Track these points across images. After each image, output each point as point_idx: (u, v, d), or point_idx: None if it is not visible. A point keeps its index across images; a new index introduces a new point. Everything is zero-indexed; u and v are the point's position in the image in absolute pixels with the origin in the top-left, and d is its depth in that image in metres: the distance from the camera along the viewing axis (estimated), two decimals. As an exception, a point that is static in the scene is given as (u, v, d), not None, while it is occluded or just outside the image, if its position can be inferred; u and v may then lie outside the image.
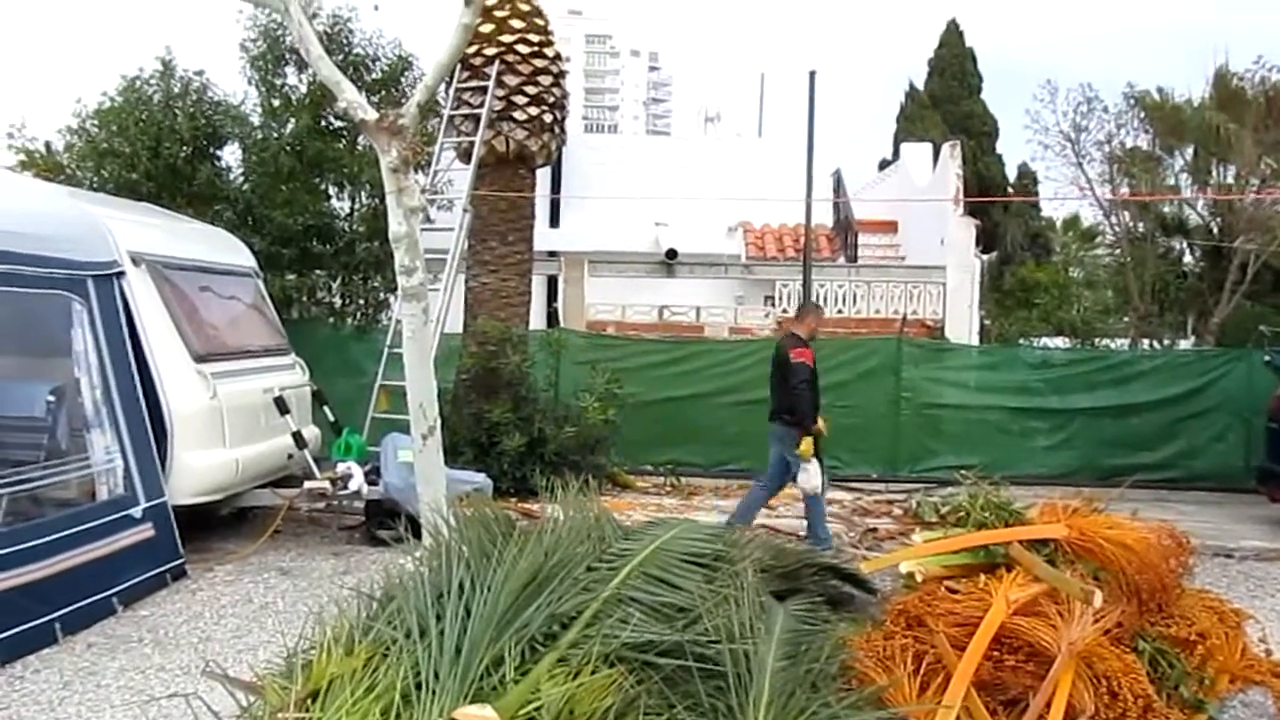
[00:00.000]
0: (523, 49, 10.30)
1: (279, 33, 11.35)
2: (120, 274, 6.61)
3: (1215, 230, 16.30)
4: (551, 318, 14.50)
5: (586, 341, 11.42)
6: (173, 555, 6.41)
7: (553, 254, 14.42)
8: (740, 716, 2.89)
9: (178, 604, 5.95)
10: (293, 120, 11.67)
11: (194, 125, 11.18)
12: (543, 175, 12.65)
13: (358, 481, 7.60)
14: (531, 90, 10.29)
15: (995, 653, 3.83)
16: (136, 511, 6.13)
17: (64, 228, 6.32)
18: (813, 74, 10.83)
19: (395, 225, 5.53)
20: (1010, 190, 26.49)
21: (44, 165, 11.38)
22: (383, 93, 11.89)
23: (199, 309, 7.55)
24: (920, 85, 29.03)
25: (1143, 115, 16.39)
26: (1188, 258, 17.56)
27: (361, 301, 13.00)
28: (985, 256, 18.07)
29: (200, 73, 11.56)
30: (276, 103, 11.84)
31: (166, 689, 4.57)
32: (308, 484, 7.60)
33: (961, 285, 14.21)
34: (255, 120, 11.91)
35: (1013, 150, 28.44)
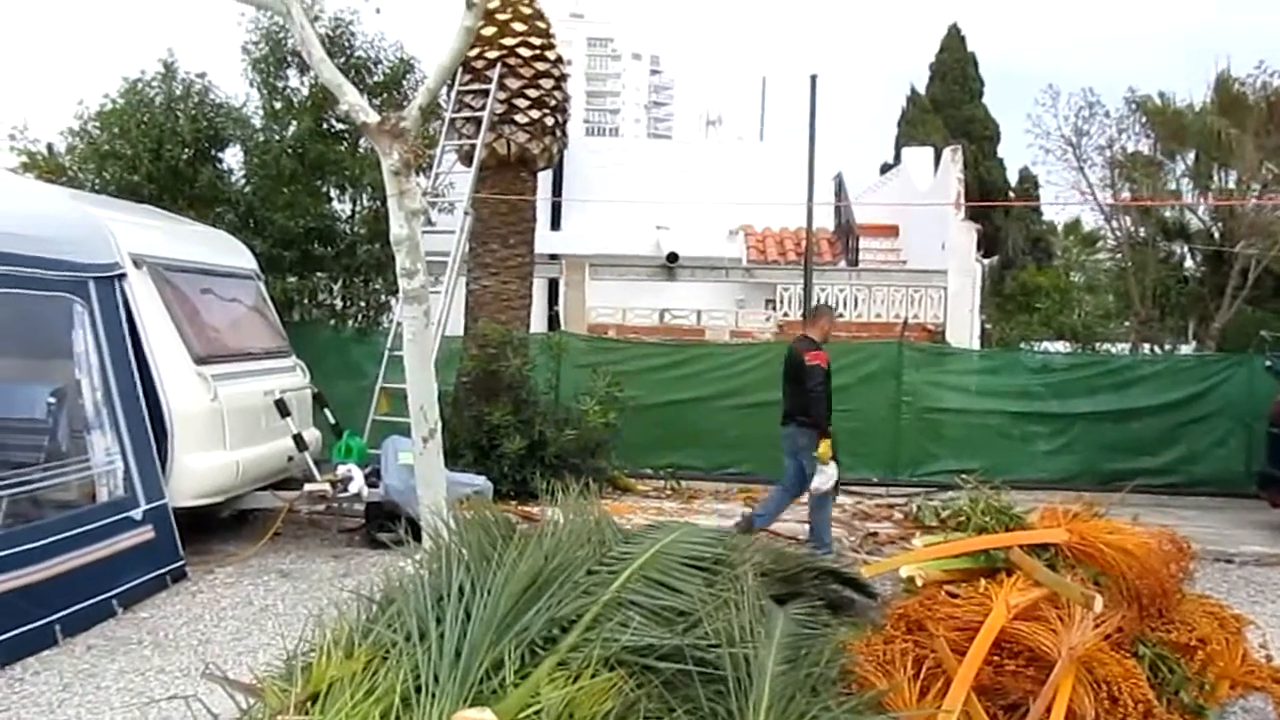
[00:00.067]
0: (524, 52, 10.31)
1: (281, 35, 11.38)
2: (121, 276, 6.62)
3: (1216, 235, 16.29)
4: (552, 321, 14.50)
5: (587, 344, 11.42)
6: (173, 557, 6.40)
7: (554, 257, 14.43)
8: (740, 720, 2.88)
9: (178, 606, 5.94)
10: (294, 123, 11.69)
11: (196, 127, 11.19)
12: (544, 178, 12.66)
13: (358, 484, 7.59)
14: (533, 93, 10.30)
15: (995, 657, 3.83)
16: (137, 513, 6.12)
17: (65, 229, 6.32)
18: (814, 78, 10.85)
19: (396, 228, 5.53)
20: (1011, 195, 26.52)
21: (46, 167, 11.40)
22: (384, 95, 11.91)
23: (200, 311, 7.55)
24: (922, 89, 29.09)
25: (1144, 120, 16.38)
26: (1189, 263, 17.54)
27: (362, 304, 13.02)
28: (986, 261, 18.07)
29: (202, 75, 11.60)
30: (278, 105, 11.86)
31: (166, 691, 4.56)
32: (308, 486, 7.60)
33: (962, 289, 14.21)
34: (257, 123, 11.93)
35: (1014, 154, 28.51)
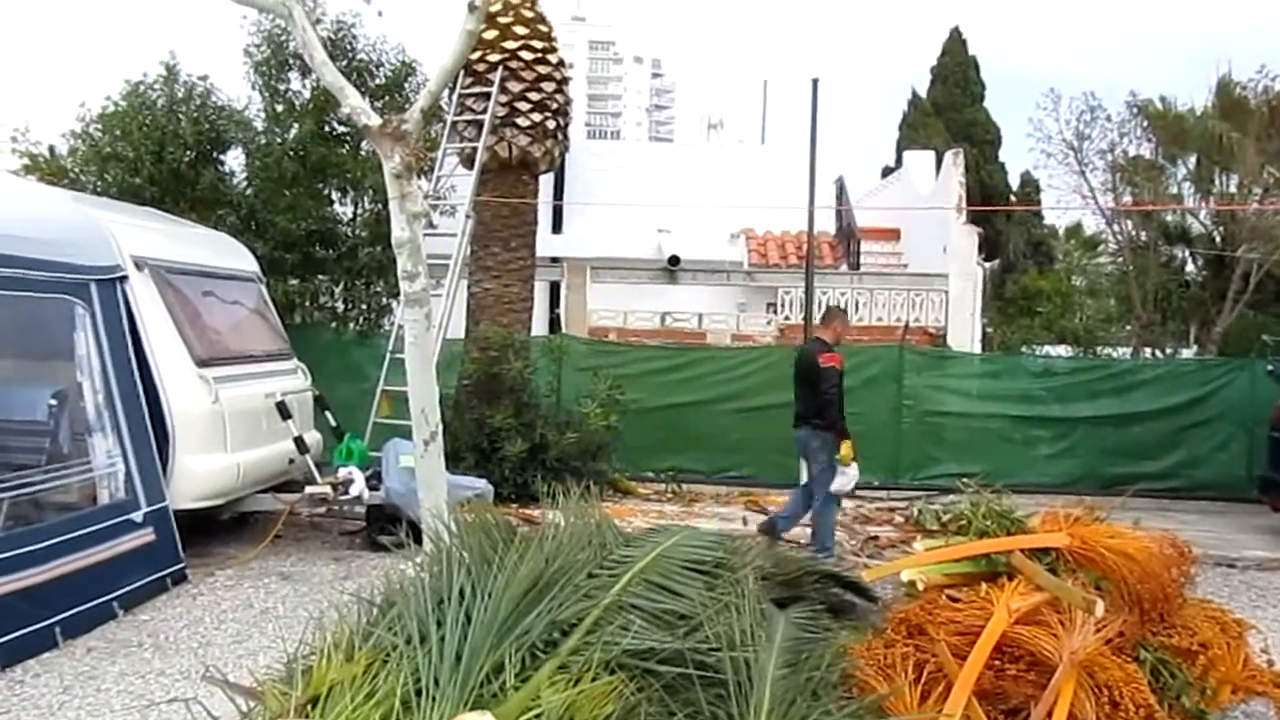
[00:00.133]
0: (526, 55, 10.32)
1: (283, 38, 11.38)
2: (123, 278, 6.62)
3: (1218, 239, 16.27)
4: (554, 324, 14.51)
5: (588, 348, 11.42)
6: (173, 560, 6.40)
7: (555, 260, 14.43)
8: (741, 725, 2.88)
9: (178, 609, 5.94)
10: (296, 125, 11.69)
11: (197, 130, 11.20)
12: (545, 181, 12.67)
13: (359, 487, 7.59)
14: (534, 96, 10.31)
15: (996, 662, 3.83)
16: (137, 516, 6.13)
17: (67, 232, 6.33)
18: (815, 81, 10.83)
19: (398, 231, 5.54)
20: (1013, 198, 26.52)
21: (48, 169, 11.41)
22: (386, 98, 11.91)
23: (201, 313, 7.56)
24: (923, 93, 29.12)
25: (1145, 124, 16.36)
26: (1190, 267, 17.51)
27: (364, 306, 13.01)
28: (988, 264, 18.09)
29: (204, 78, 11.59)
30: (280, 108, 11.87)
31: (166, 694, 4.56)
32: (309, 489, 7.60)
33: (964, 293, 14.22)
34: (259, 125, 11.93)
35: (1015, 158, 28.49)
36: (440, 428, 5.81)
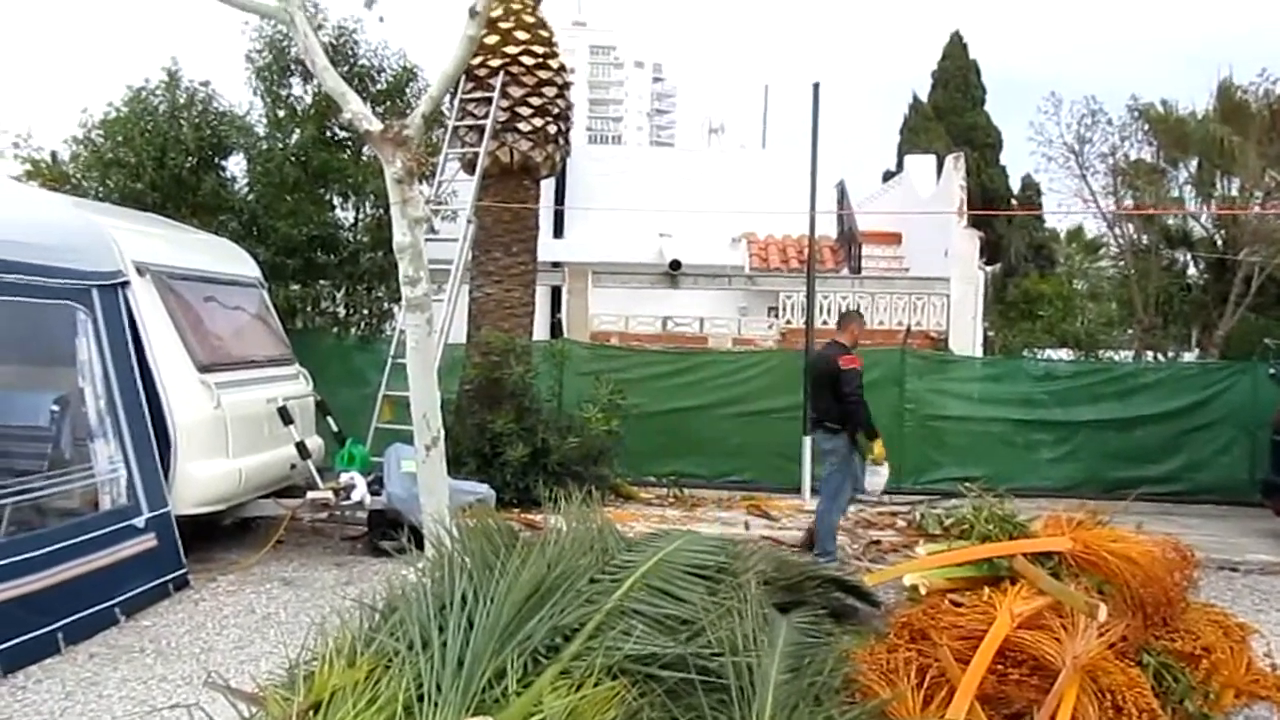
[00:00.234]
0: (527, 60, 10.34)
1: (284, 44, 11.41)
2: (125, 284, 6.63)
3: (1219, 243, 16.28)
4: (555, 328, 14.51)
5: (590, 352, 11.43)
6: (175, 565, 6.40)
7: (556, 265, 14.45)
8: (743, 730, 2.88)
9: (180, 614, 5.94)
10: (298, 131, 11.71)
11: (199, 135, 11.22)
12: (547, 186, 12.69)
13: (361, 492, 7.59)
14: (536, 101, 10.33)
15: (999, 666, 3.83)
16: (139, 521, 6.12)
17: (69, 237, 6.34)
18: (816, 85, 10.84)
19: (399, 236, 5.55)
20: (1014, 202, 26.52)
21: (50, 175, 11.42)
22: (387, 104, 11.93)
23: (203, 319, 7.56)
24: (924, 97, 29.13)
25: (1147, 127, 16.39)
26: (1192, 270, 17.52)
27: (365, 312, 13.01)
28: (989, 268, 18.09)
29: (206, 83, 11.61)
30: (281, 113, 11.89)
31: (168, 699, 4.56)
32: (311, 494, 7.59)
33: (965, 297, 14.22)
34: (260, 131, 11.95)
35: (1016, 162, 28.55)
36: (442, 433, 5.81)
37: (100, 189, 11.09)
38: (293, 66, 11.67)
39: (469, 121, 10.33)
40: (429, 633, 2.92)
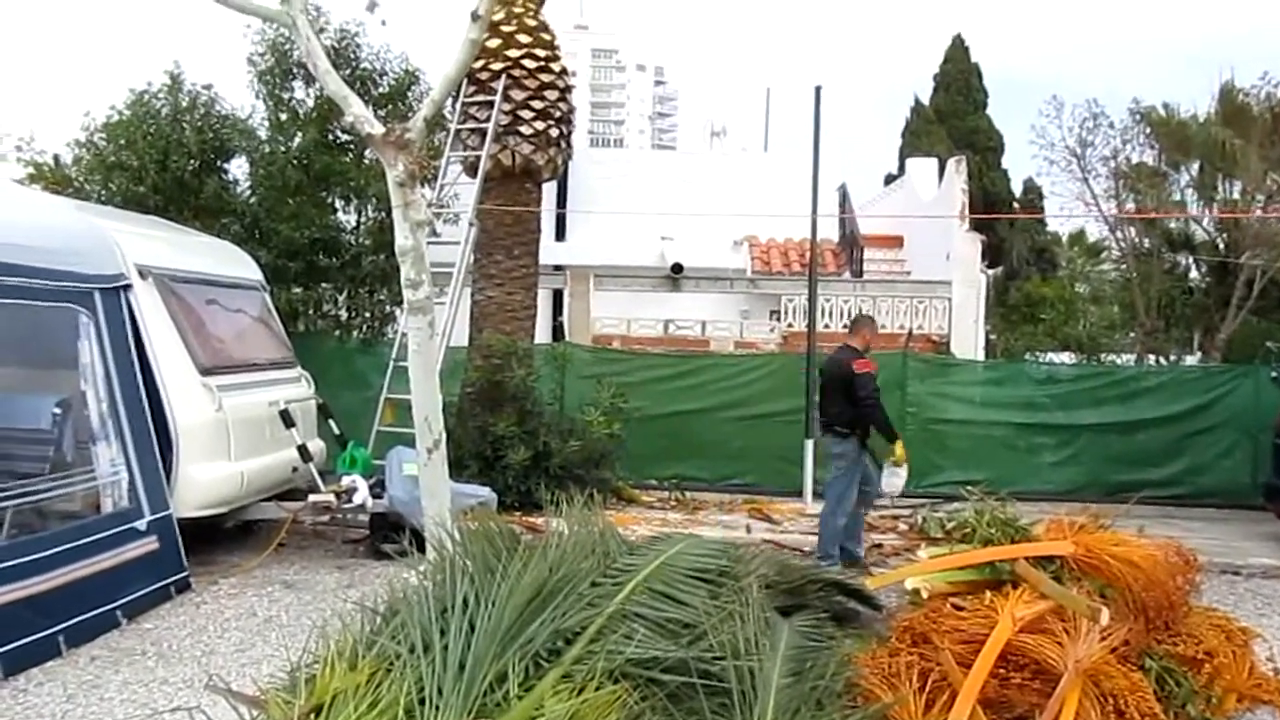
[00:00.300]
0: (529, 64, 10.35)
1: (286, 47, 11.42)
2: (127, 287, 6.63)
3: (1221, 246, 16.28)
4: (557, 331, 14.52)
5: (592, 355, 11.44)
6: (177, 568, 6.40)
7: (558, 268, 14.46)
8: (745, 733, 2.88)
9: (181, 617, 5.94)
10: (300, 134, 11.73)
11: (201, 139, 11.24)
12: (548, 189, 12.69)
13: (362, 495, 7.59)
14: (538, 105, 10.34)
15: (1001, 670, 3.82)
16: (141, 524, 6.12)
17: (71, 240, 6.34)
18: (818, 89, 10.85)
19: (401, 239, 5.55)
20: (1016, 205, 26.52)
21: (52, 178, 11.45)
22: (390, 107, 11.94)
23: (205, 322, 7.56)
24: (926, 100, 29.13)
25: (1148, 131, 16.39)
26: (1194, 273, 17.52)
27: (367, 315, 13.02)
28: (991, 271, 18.08)
29: (208, 86, 11.63)
30: (284, 116, 11.90)
31: (170, 702, 4.55)
32: (312, 497, 7.60)
33: (967, 300, 14.21)
34: (262, 134, 11.96)
35: (1018, 165, 28.42)
36: (444, 436, 5.81)
37: (102, 192, 11.11)
38: (295, 70, 11.68)
39: (471, 125, 10.34)
40: (430, 636, 2.92)
